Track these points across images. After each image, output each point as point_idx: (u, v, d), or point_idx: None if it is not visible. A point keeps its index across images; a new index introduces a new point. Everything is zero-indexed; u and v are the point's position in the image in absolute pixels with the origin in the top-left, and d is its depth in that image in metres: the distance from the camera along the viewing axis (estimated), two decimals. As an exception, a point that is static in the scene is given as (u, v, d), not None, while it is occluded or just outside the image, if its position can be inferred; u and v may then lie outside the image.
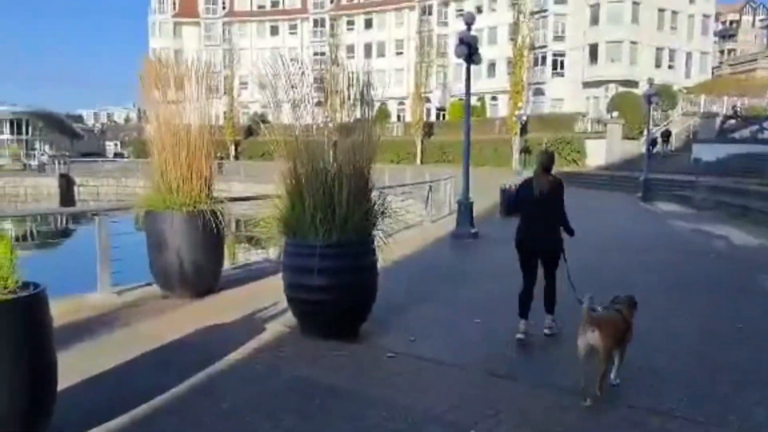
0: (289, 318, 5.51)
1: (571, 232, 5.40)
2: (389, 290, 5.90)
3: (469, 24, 12.15)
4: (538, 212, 5.32)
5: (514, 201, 5.55)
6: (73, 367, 3.88)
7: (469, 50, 12.09)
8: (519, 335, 5.32)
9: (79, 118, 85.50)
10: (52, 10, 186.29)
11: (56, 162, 46.29)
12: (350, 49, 62.16)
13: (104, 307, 6.16)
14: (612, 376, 4.19)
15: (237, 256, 14.57)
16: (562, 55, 51.82)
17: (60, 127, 65.48)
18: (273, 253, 11.49)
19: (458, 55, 12.29)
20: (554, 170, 5.59)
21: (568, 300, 4.94)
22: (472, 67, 12.56)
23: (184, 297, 6.52)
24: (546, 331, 5.46)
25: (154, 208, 6.54)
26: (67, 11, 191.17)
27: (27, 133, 59.61)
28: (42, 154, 52.32)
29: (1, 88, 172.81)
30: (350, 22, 64.93)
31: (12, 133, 58.47)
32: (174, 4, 68.38)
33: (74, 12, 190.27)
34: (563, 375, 4.46)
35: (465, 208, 12.38)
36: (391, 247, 5.60)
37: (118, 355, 4.53)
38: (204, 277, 6.67)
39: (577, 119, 45.07)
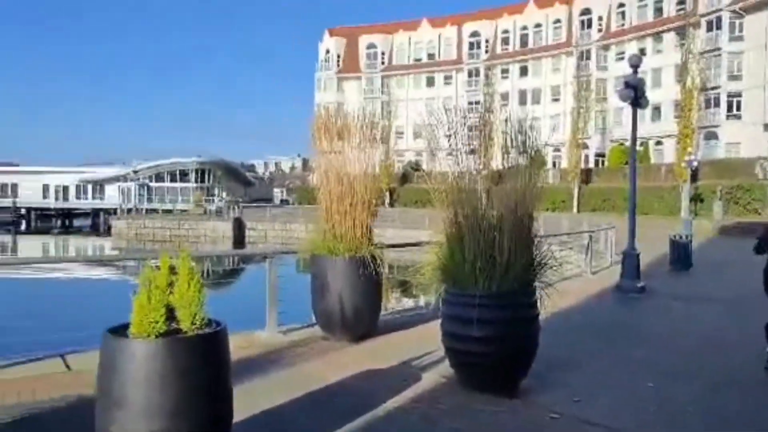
0: (446, 368, 5.41)
1: None
2: (550, 344, 5.61)
3: (635, 67, 11.59)
4: None
5: (763, 241, 6.43)
6: (244, 402, 4.08)
7: (635, 94, 11.50)
8: None
9: (251, 167, 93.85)
10: (228, 73, 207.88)
11: (231, 207, 50.83)
12: (504, 96, 62.08)
13: (271, 345, 6.50)
14: None
15: (389, 301, 14.81)
16: (739, 95, 47.54)
17: (235, 176, 72.27)
18: (424, 299, 11.53)
19: (624, 99, 11.73)
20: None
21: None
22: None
23: (344, 340, 6.69)
24: None
25: (318, 252, 6.85)
26: (243, 73, 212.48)
27: (208, 180, 66.52)
28: (220, 200, 57.73)
29: (189, 140, 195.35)
30: (504, 71, 65.09)
31: (196, 180, 65.61)
32: (338, 61, 73.25)
33: (248, 73, 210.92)
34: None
35: (630, 259, 11.56)
36: (552, 298, 5.34)
37: (284, 392, 4.73)
38: (363, 321, 6.82)
39: (758, 164, 40.77)
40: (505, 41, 65.84)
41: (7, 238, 52.33)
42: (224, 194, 62.86)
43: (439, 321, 5.35)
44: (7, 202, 63.82)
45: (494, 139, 5.79)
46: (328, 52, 73.97)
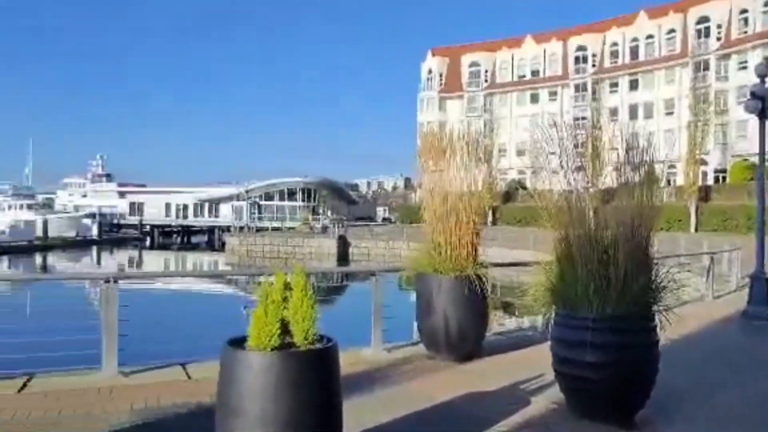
0: (556, 393, 5.21)
1: None
2: (671, 373, 5.26)
3: (762, 76, 10.76)
4: None
5: None
6: (353, 418, 4.12)
7: (763, 105, 10.67)
8: None
9: (355, 187, 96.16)
10: (333, 95, 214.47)
11: (335, 225, 52.19)
12: (613, 112, 59.69)
13: (377, 362, 6.56)
14: None
15: (492, 322, 14.51)
16: None
17: (339, 195, 74.32)
18: (529, 320, 11.19)
19: (750, 111, 10.90)
20: None
21: None
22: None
23: (448, 359, 6.63)
24: None
25: (423, 271, 6.86)
26: (347, 95, 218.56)
27: (314, 199, 68.92)
28: (325, 218, 59.51)
29: (297, 161, 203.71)
30: (613, 84, 62.65)
31: (303, 199, 68.19)
32: (441, 81, 73.67)
33: (352, 95, 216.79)
34: None
35: (760, 283, 10.63)
36: (672, 323, 5.02)
37: (391, 410, 4.74)
38: (468, 341, 6.73)
39: None
40: (614, 54, 63.42)
41: (134, 253, 56.71)
42: (329, 213, 64.74)
43: (548, 344, 5.18)
44: (134, 219, 69.31)
45: (603, 155, 5.57)
46: (430, 71, 74.62)
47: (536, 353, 6.46)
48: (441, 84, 73.63)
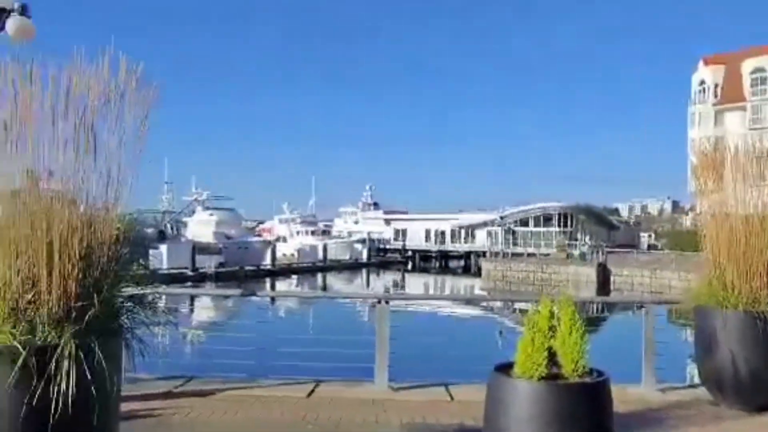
0: None
1: None
2: None
3: None
4: None
5: None
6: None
7: None
8: None
9: (615, 211, 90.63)
10: (593, 118, 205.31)
11: (594, 252, 49.64)
12: None
13: (648, 403, 6.01)
14: None
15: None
16: None
17: (598, 220, 70.75)
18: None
19: None
20: None
21: None
22: None
23: (736, 407, 5.79)
24: None
25: (704, 304, 6.13)
26: (605, 117, 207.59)
27: (571, 225, 66.67)
28: (583, 245, 56.99)
29: (553, 185, 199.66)
30: None
31: (559, 225, 66.46)
32: (716, 92, 65.91)
33: (612, 117, 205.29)
34: None
35: None
36: None
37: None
38: (762, 388, 5.79)
39: None
40: None
41: (397, 276, 61.09)
42: (587, 239, 61.80)
43: None
44: (398, 244, 74.73)
45: None
46: (702, 82, 67.20)
47: None
48: (716, 95, 65.74)
